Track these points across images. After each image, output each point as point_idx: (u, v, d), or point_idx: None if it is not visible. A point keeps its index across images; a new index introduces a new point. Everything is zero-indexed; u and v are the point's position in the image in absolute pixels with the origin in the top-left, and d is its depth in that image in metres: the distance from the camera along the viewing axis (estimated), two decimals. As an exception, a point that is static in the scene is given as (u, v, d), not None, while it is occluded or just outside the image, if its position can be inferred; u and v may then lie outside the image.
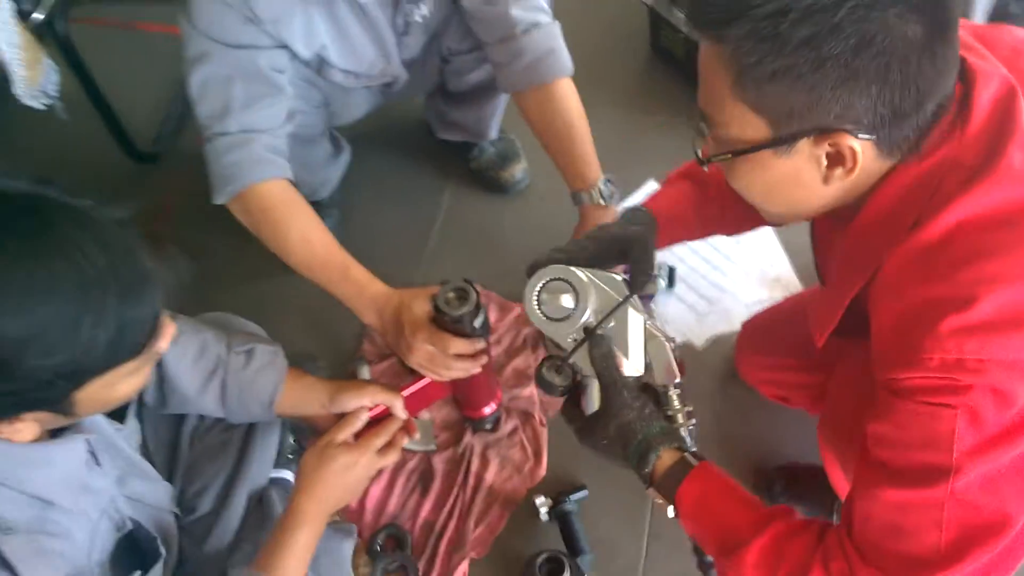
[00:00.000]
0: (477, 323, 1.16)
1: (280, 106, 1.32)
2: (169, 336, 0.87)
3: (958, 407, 0.74)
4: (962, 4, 1.55)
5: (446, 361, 1.22)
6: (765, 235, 1.79)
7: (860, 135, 0.74)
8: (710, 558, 1.05)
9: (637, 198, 1.85)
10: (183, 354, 1.21)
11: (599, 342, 0.96)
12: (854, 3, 0.68)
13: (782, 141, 0.77)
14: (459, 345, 1.19)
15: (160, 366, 1.18)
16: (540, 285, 0.98)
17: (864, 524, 0.83)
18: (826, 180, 0.79)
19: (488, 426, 1.53)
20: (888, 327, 0.79)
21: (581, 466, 1.51)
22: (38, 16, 1.49)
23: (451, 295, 1.15)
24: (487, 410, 1.46)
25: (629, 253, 1.08)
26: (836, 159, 0.77)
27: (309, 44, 1.33)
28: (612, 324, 0.97)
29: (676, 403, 0.99)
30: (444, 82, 1.71)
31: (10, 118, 1.98)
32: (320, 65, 1.41)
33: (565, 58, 1.42)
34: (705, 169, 0.86)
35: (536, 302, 0.98)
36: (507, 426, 1.54)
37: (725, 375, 1.61)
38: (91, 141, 1.87)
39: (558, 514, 1.42)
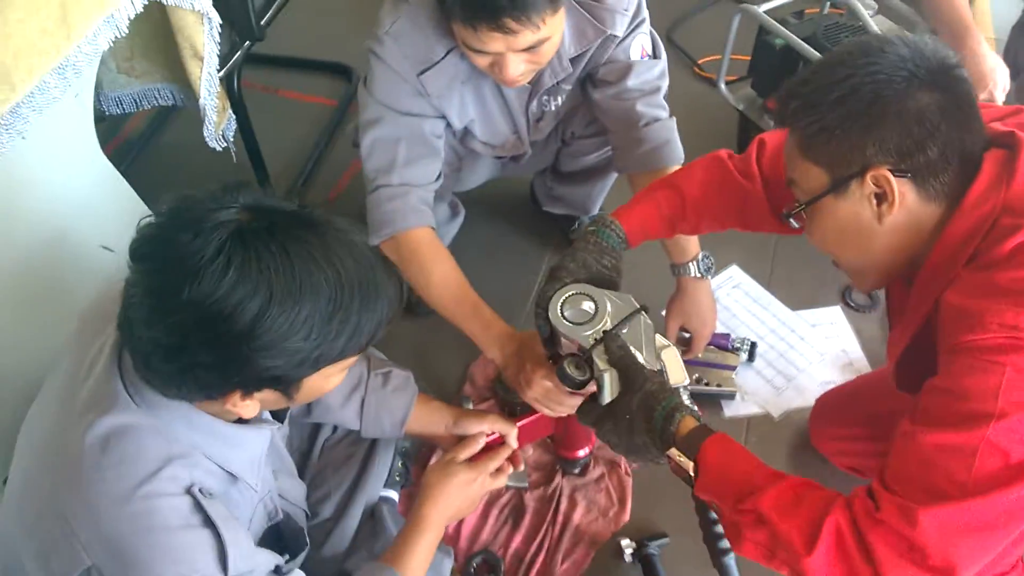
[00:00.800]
0: (573, 385, 1.24)
1: (435, 166, 1.53)
2: None
3: (1008, 364, 0.85)
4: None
5: (560, 397, 1.37)
6: (840, 323, 1.93)
7: (896, 173, 0.95)
8: (714, 515, 1.13)
9: (720, 279, 2.01)
10: None
11: (617, 339, 1.14)
12: (873, 73, 0.95)
13: (837, 184, 0.99)
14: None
15: None
16: (564, 297, 1.21)
17: (897, 465, 0.90)
18: (880, 219, 0.98)
19: (577, 470, 1.66)
20: (953, 313, 0.92)
21: (662, 515, 1.62)
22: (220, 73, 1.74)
23: (573, 367, 1.22)
24: (581, 452, 1.60)
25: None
26: (882, 197, 0.97)
27: (462, 118, 1.55)
28: (626, 330, 1.16)
29: (687, 402, 1.11)
30: (557, 162, 1.92)
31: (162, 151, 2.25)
32: (464, 135, 1.63)
33: (678, 149, 1.59)
34: (793, 224, 1.09)
35: (560, 309, 1.20)
36: (595, 472, 1.67)
37: (799, 446, 1.73)
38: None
39: (642, 556, 1.53)
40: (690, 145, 1.58)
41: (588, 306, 1.21)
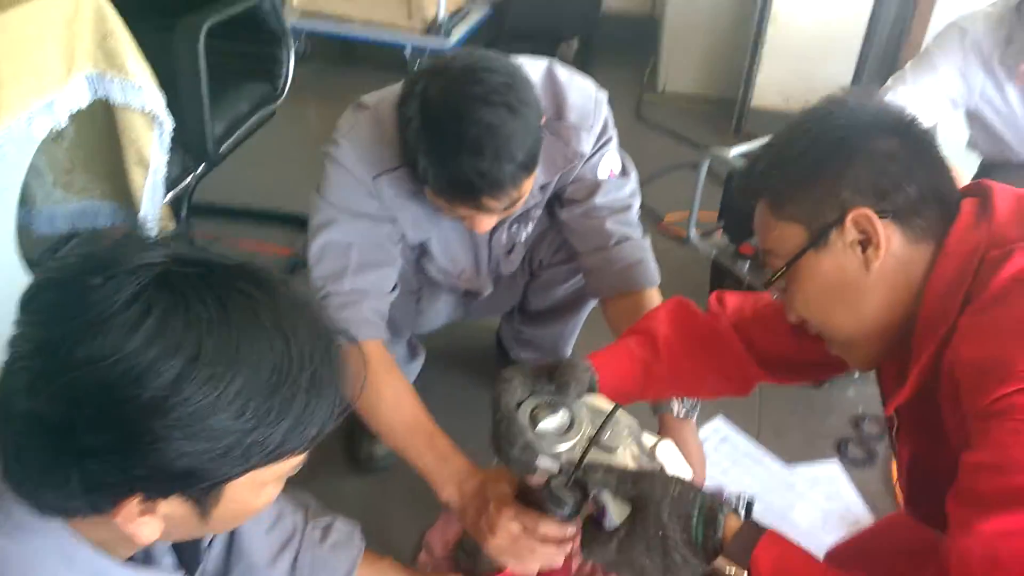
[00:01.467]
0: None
1: (391, 275, 1.40)
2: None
3: None
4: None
5: (531, 544, 1.14)
6: (840, 480, 1.76)
7: (875, 211, 0.88)
8: None
9: (705, 432, 1.84)
10: (259, 519, 1.13)
11: (608, 447, 0.99)
12: (834, 122, 0.93)
13: (817, 236, 0.91)
14: (550, 527, 1.12)
15: (233, 533, 1.11)
16: (528, 410, 1.05)
17: (959, 566, 0.77)
18: (867, 266, 0.90)
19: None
20: (972, 370, 0.81)
21: None
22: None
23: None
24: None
25: (557, 368, 1.10)
26: (867, 243, 0.90)
27: (416, 232, 1.44)
28: (608, 435, 1.00)
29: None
30: (526, 300, 1.79)
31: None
32: (421, 257, 1.51)
33: (653, 269, 1.50)
34: (774, 296, 1.01)
35: (530, 425, 1.03)
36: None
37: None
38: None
39: None
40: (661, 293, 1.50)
41: (559, 416, 1.04)
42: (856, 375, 1.92)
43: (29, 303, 0.68)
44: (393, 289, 1.41)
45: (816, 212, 0.91)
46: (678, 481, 0.92)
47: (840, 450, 1.82)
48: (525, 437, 1.02)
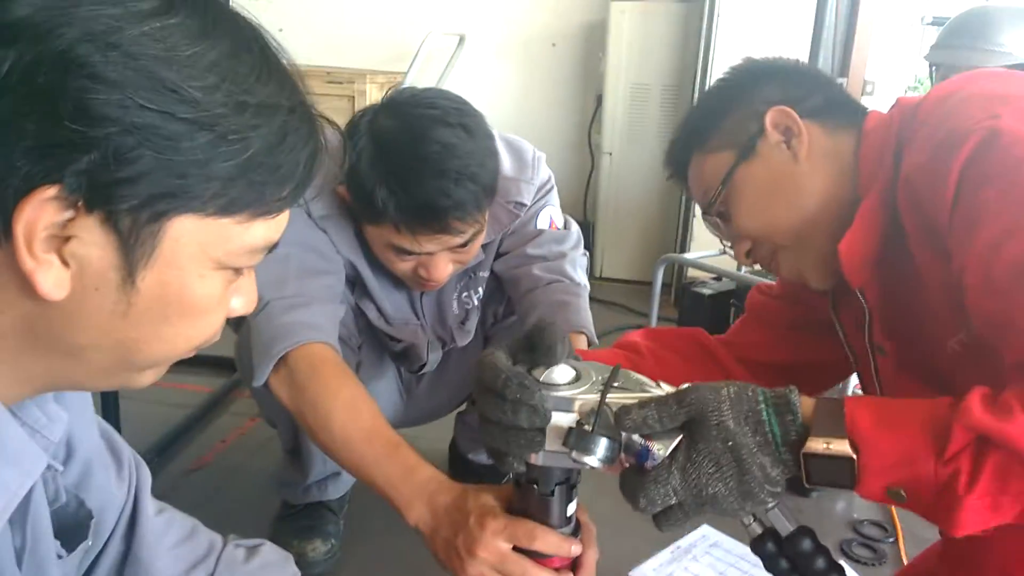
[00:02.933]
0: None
1: (337, 281, 1.27)
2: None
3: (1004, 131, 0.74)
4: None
5: (523, 566, 0.89)
6: None
7: (785, 106, 0.94)
8: None
9: (692, 539, 1.60)
10: (164, 532, 0.90)
11: (626, 389, 0.80)
12: (737, 70, 1.03)
13: (744, 150, 0.96)
14: (549, 538, 0.89)
15: (130, 542, 0.86)
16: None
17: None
18: (795, 157, 0.94)
19: None
20: (926, 159, 0.80)
21: None
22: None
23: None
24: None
25: (534, 335, 0.87)
26: (788, 134, 0.94)
27: (356, 262, 1.33)
28: (618, 382, 0.81)
29: None
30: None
31: None
32: (361, 297, 1.39)
33: (580, 313, 1.36)
34: (713, 220, 1.01)
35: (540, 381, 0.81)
36: None
37: None
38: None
39: None
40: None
41: (562, 368, 0.83)
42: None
43: None
44: (341, 301, 1.27)
45: (738, 132, 0.97)
46: (726, 383, 0.75)
47: (843, 550, 1.60)
48: (534, 389, 0.79)
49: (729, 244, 1.03)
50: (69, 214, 0.51)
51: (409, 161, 1.15)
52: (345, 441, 1.07)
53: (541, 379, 0.81)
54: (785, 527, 0.79)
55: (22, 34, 0.49)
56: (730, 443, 0.71)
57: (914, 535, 1.64)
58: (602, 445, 0.76)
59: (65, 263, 0.53)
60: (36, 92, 0.49)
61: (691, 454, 0.73)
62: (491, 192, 1.24)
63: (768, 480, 0.72)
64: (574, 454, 0.77)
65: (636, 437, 0.76)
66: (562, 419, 0.79)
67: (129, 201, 0.52)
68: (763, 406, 0.73)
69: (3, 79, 0.48)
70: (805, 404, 0.73)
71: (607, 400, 0.78)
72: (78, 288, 0.54)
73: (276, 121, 0.57)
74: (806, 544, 0.77)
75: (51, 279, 0.53)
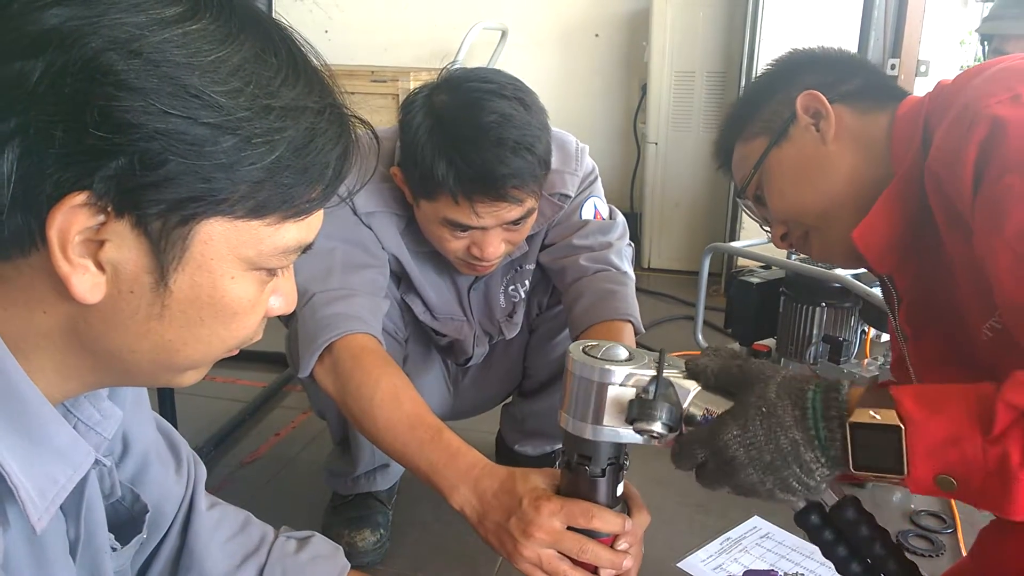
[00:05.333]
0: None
1: (381, 276, 1.28)
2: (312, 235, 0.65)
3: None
4: None
5: (580, 541, 0.91)
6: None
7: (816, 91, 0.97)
8: None
9: (742, 530, 1.59)
10: (217, 526, 0.92)
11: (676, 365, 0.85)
12: (782, 60, 1.07)
13: (777, 134, 0.99)
14: (605, 516, 0.90)
15: (185, 536, 0.89)
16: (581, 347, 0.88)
17: None
18: (824, 139, 0.96)
19: None
20: (945, 140, 0.79)
21: None
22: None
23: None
24: None
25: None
26: (817, 116, 0.97)
27: (400, 258, 1.35)
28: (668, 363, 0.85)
29: None
30: (526, 376, 1.64)
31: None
32: (407, 292, 1.41)
33: (627, 302, 1.37)
34: (748, 213, 1.08)
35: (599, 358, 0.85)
36: None
37: None
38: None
39: None
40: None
41: (618, 349, 0.86)
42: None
43: None
44: (385, 296, 1.29)
45: (773, 118, 1.00)
46: (788, 368, 0.79)
47: (901, 543, 1.57)
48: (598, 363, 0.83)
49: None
50: (100, 219, 0.53)
51: (467, 131, 1.16)
52: (388, 428, 1.09)
53: (599, 356, 0.84)
54: (831, 497, 0.79)
55: (50, 44, 0.50)
56: (764, 409, 0.73)
57: (973, 525, 1.59)
58: (665, 409, 0.79)
59: (101, 268, 0.55)
60: (64, 101, 0.50)
61: (725, 415, 0.75)
62: (546, 166, 1.24)
63: (797, 460, 0.72)
64: (637, 424, 0.80)
65: (694, 408, 0.80)
66: (623, 393, 0.82)
67: (157, 205, 0.54)
68: (811, 387, 0.74)
69: (32, 88, 0.50)
70: (853, 390, 0.74)
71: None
72: (113, 291, 0.56)
73: (303, 123, 0.58)
74: (850, 513, 0.78)
75: (86, 283, 0.54)
